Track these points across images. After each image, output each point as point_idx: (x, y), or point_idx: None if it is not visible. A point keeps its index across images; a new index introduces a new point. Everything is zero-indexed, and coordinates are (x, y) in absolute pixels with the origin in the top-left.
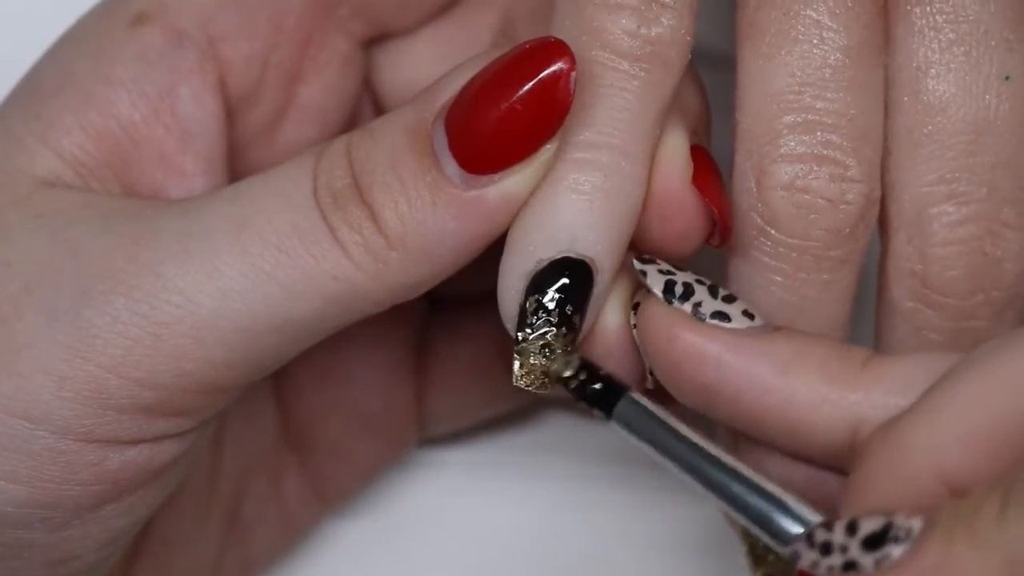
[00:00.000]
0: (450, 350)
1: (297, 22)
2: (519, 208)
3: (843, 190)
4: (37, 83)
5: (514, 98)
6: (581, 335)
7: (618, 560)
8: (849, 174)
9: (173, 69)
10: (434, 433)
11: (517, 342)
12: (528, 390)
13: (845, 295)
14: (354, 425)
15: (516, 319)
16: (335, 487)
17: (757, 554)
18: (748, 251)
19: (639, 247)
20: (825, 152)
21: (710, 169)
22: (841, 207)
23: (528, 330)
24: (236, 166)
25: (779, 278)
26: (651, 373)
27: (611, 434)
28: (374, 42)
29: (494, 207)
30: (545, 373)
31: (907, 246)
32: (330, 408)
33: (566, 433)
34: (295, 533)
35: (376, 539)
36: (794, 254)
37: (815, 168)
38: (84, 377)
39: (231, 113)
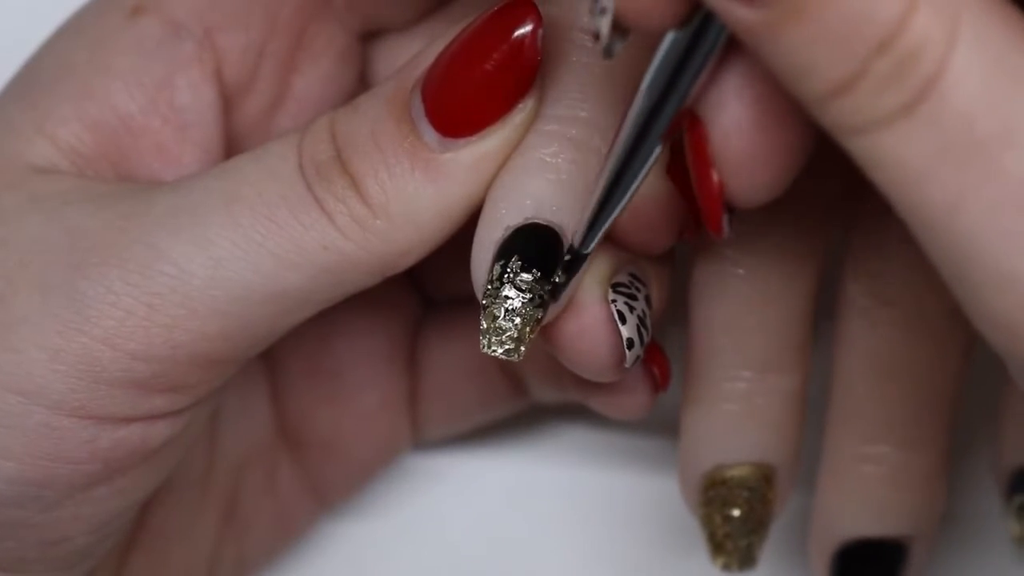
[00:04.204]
0: (444, 349)
1: (292, 13)
2: (494, 170)
3: None
4: (35, 73)
5: (483, 60)
6: (556, 308)
7: (616, 564)
8: None
9: (171, 60)
10: (430, 435)
11: (485, 308)
12: (501, 358)
13: None
14: (347, 421)
15: (485, 286)
16: (330, 484)
17: (717, 542)
18: None
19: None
20: None
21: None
22: None
23: (496, 297)
24: (232, 156)
25: None
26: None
27: (610, 440)
28: (371, 37)
29: (467, 168)
30: (513, 339)
31: None
32: (323, 403)
33: (564, 439)
34: (291, 531)
35: (375, 543)
36: None
37: None
38: (77, 349)
39: (227, 103)
